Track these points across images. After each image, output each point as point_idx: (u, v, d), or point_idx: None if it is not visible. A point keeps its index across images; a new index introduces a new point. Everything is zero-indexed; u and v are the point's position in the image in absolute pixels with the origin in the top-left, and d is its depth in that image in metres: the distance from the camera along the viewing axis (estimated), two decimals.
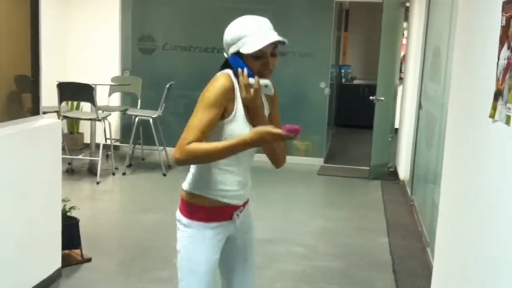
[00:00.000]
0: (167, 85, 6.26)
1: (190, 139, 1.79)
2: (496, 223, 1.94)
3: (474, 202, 2.33)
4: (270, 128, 1.79)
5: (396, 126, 7.44)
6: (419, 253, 4.17)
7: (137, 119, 6.38)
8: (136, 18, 7.40)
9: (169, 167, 6.56)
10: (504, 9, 1.88)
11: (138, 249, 4.08)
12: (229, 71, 1.91)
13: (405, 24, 7.48)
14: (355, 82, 11.03)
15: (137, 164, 6.73)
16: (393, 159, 7.11)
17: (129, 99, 7.27)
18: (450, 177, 2.98)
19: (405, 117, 6.43)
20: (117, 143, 7.34)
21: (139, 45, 7.41)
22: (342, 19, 9.69)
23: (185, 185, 2.01)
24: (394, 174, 6.75)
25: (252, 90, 1.84)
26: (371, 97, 6.34)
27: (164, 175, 6.25)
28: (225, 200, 1.97)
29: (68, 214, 3.72)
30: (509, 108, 1.74)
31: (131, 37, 7.41)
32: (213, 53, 6.95)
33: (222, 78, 1.85)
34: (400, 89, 7.55)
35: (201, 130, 1.80)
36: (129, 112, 6.54)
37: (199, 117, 1.82)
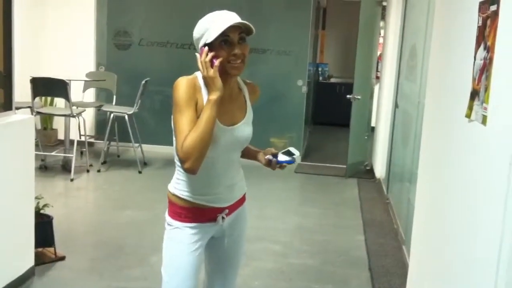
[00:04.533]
0: (143, 81, 6.19)
1: (182, 142, 1.75)
2: (472, 221, 1.96)
3: (449, 201, 2.35)
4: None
5: (373, 124, 7.49)
6: (395, 251, 4.20)
7: (112, 115, 6.30)
8: (112, 13, 7.30)
9: (144, 164, 6.50)
10: (480, 10, 1.90)
11: (112, 247, 4.02)
12: (196, 73, 1.90)
13: (382, 23, 7.54)
14: (332, 80, 11.08)
15: (112, 161, 6.65)
16: (370, 157, 7.17)
17: (104, 95, 7.18)
18: (426, 176, 3.01)
19: (382, 115, 6.47)
20: (92, 140, 7.25)
21: (115, 40, 7.31)
22: (319, 17, 9.73)
23: (169, 186, 2.01)
24: (371, 172, 6.80)
25: (212, 70, 1.78)
26: (348, 96, 6.38)
27: (140, 172, 6.19)
28: (204, 203, 1.94)
29: (42, 211, 3.66)
30: (485, 108, 1.76)
31: (107, 32, 7.31)
32: (190, 50, 6.89)
33: (180, 78, 1.84)
34: (376, 87, 7.60)
35: (189, 130, 1.76)
36: (104, 108, 6.46)
37: (180, 119, 1.78)
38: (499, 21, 1.69)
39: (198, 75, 1.88)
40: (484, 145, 1.81)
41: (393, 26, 6.12)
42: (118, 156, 6.91)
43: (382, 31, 7.66)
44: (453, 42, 2.44)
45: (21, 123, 3.27)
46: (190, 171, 1.77)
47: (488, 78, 1.75)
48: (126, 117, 6.20)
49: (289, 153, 1.96)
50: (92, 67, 7.23)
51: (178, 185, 1.96)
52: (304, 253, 4.11)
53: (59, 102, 6.77)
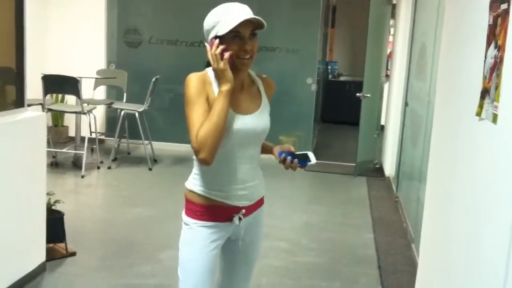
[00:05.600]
0: (153, 79, 6.22)
1: (196, 134, 1.77)
2: (480, 221, 1.96)
3: (459, 199, 2.35)
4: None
5: (382, 123, 7.47)
6: (404, 249, 4.20)
7: (122, 112, 6.34)
8: (122, 11, 7.34)
9: (154, 161, 6.53)
10: (491, 8, 1.89)
11: (122, 243, 4.05)
12: (206, 69, 1.92)
13: (391, 22, 7.51)
14: (341, 78, 11.06)
15: (123, 158, 6.70)
16: (379, 155, 7.16)
17: (114, 93, 7.22)
18: (436, 174, 3.00)
19: (391, 114, 6.46)
20: (102, 137, 7.29)
21: (125, 38, 7.35)
22: (329, 15, 9.71)
23: (186, 183, 2.01)
24: (380, 170, 6.79)
25: (222, 62, 1.80)
26: (357, 94, 6.36)
27: (150, 169, 6.23)
28: (221, 200, 1.93)
29: (53, 208, 3.69)
30: (496, 107, 1.76)
31: (117, 30, 7.35)
32: (200, 47, 6.92)
33: (191, 75, 1.87)
34: (386, 86, 7.58)
35: (201, 122, 1.78)
36: (115, 105, 6.49)
37: (192, 114, 1.81)
38: (510, 19, 1.68)
39: (208, 70, 1.91)
40: (495, 144, 1.81)
41: (403, 25, 6.09)
42: (129, 153, 6.95)
43: (391, 29, 7.64)
44: (463, 40, 2.43)
45: (33, 120, 3.31)
46: (204, 162, 1.78)
47: (498, 76, 1.75)
48: (137, 114, 6.23)
49: (305, 156, 1.94)
50: (102, 65, 7.27)
51: (195, 180, 1.95)
52: (312, 251, 4.12)
53: (70, 99, 6.82)
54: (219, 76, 1.83)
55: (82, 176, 5.74)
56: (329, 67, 10.90)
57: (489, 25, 1.90)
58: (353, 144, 6.85)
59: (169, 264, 3.64)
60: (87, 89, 6.41)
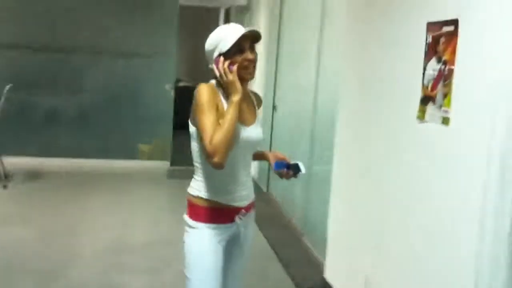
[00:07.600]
0: (7, 88, 5.76)
1: (210, 139, 1.87)
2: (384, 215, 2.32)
3: (363, 196, 2.69)
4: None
5: None
6: (295, 242, 4.53)
7: None
8: None
9: (5, 177, 5.95)
10: (429, 29, 2.27)
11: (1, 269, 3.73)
12: (211, 81, 2.07)
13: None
14: (181, 84, 11.17)
15: None
16: None
17: None
18: (346, 175, 3.36)
19: None
20: None
21: None
22: None
23: (189, 189, 2.12)
24: None
25: (231, 75, 1.95)
26: None
27: (5, 186, 5.71)
28: (224, 202, 2.07)
29: None
30: (446, 111, 2.13)
31: None
32: (47, 52, 6.46)
33: (203, 84, 2.00)
34: None
35: (214, 129, 1.89)
36: None
37: (205, 121, 1.92)
38: (458, 40, 2.06)
39: (214, 82, 2.06)
40: (445, 143, 2.17)
41: (264, 32, 6.30)
42: None
43: None
44: (386, 56, 2.77)
45: None
46: (218, 166, 1.89)
47: (447, 86, 2.12)
48: None
49: (296, 166, 2.11)
50: None
51: (199, 186, 2.08)
52: None
53: None
54: (229, 88, 1.98)
55: None
56: None
57: (428, 43, 2.27)
58: None
59: None
60: None
